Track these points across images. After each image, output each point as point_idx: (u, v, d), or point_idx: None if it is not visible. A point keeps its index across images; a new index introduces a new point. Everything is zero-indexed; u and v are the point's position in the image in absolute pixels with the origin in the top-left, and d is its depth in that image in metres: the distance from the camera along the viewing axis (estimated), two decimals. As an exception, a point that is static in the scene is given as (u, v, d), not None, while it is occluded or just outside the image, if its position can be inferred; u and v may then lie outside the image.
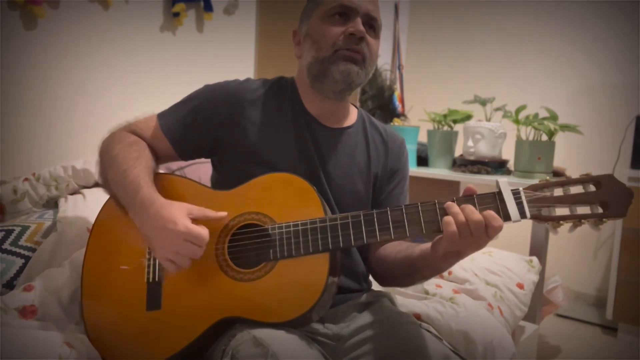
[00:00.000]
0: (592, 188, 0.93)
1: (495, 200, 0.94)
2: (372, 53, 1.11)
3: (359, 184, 1.17)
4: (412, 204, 0.97)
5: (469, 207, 0.90)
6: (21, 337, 0.98)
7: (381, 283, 1.21)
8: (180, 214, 0.97)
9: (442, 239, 0.94)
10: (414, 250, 1.06)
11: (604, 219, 0.92)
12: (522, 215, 0.93)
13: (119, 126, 1.17)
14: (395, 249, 1.13)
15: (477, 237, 0.89)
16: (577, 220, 0.93)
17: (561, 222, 0.93)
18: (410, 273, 1.08)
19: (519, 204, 0.93)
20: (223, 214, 1.02)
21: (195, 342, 1.00)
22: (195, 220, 0.98)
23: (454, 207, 0.92)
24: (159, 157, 1.17)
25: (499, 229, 0.89)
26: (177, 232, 0.95)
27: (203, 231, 0.96)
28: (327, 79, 1.09)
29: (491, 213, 0.90)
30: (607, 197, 0.92)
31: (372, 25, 1.10)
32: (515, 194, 0.93)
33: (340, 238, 0.98)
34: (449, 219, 0.90)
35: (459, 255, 0.95)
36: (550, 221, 0.93)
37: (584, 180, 0.94)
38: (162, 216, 0.97)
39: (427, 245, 1.01)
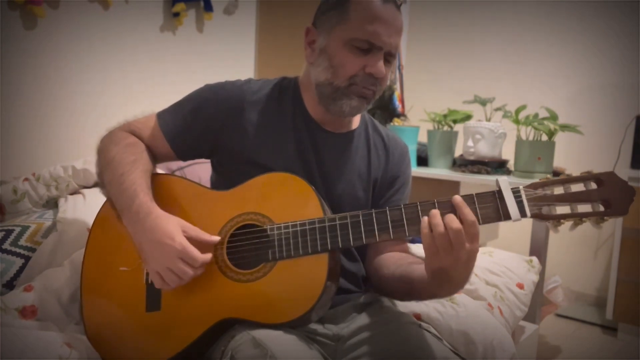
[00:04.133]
0: (593, 186, 0.92)
1: (495, 199, 0.93)
2: (383, 86, 1.09)
3: (359, 190, 1.17)
4: (411, 203, 0.97)
5: (449, 216, 0.88)
6: (21, 337, 0.98)
7: (377, 293, 1.19)
8: (176, 229, 0.96)
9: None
10: (414, 269, 1.01)
11: (606, 217, 0.91)
12: (523, 214, 0.92)
13: (117, 125, 1.16)
14: (396, 262, 1.09)
15: (455, 242, 0.86)
16: (578, 218, 0.92)
17: (562, 220, 0.92)
18: (407, 292, 1.04)
19: (519, 203, 0.92)
20: (216, 238, 1.01)
21: (194, 344, 1.00)
22: (189, 238, 0.97)
23: (433, 213, 0.89)
24: (157, 158, 1.16)
25: (473, 230, 0.86)
26: (173, 249, 0.94)
27: (199, 255, 0.95)
28: (335, 106, 1.08)
29: (462, 216, 0.87)
30: (608, 194, 0.90)
31: (390, 57, 1.07)
32: (516, 192, 0.92)
33: (339, 238, 0.98)
34: (423, 222, 0.88)
35: (443, 272, 0.90)
36: (551, 220, 0.92)
37: (585, 178, 0.92)
38: (159, 229, 0.96)
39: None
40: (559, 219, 0.92)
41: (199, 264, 0.96)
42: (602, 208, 0.91)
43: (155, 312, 1.04)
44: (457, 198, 0.91)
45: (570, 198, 0.92)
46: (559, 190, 0.93)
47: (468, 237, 0.86)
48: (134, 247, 1.03)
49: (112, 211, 1.08)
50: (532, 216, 0.92)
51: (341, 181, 1.15)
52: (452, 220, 0.87)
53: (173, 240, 0.95)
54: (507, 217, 0.91)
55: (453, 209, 0.90)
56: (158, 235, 0.96)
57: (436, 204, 0.94)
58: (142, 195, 1.01)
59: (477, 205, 0.93)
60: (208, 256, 0.97)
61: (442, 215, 0.88)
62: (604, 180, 0.91)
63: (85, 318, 1.09)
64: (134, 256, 1.06)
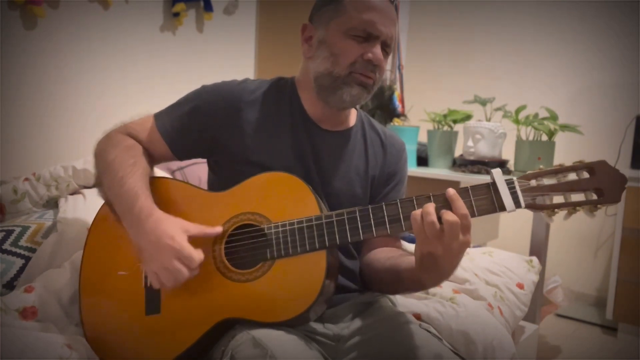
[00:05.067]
0: (585, 175, 0.93)
1: (489, 191, 0.94)
2: (382, 75, 1.11)
3: (357, 188, 1.17)
4: (408, 198, 0.97)
5: (445, 210, 0.89)
6: (21, 338, 0.98)
7: (367, 288, 1.20)
8: (177, 230, 0.97)
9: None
10: (404, 260, 1.04)
11: (599, 205, 0.92)
12: (517, 204, 0.92)
13: (114, 127, 1.16)
14: (386, 255, 1.12)
15: (449, 234, 0.87)
16: (572, 207, 0.93)
17: (556, 210, 0.93)
18: (394, 282, 1.07)
19: (514, 194, 0.93)
20: (219, 228, 1.02)
21: (195, 345, 1.00)
22: (192, 237, 0.97)
23: (428, 206, 0.90)
24: (155, 158, 1.16)
25: (463, 223, 0.87)
26: (171, 248, 0.95)
27: (196, 254, 0.95)
28: (335, 96, 1.09)
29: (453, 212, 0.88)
30: (601, 183, 0.92)
31: (387, 48, 1.10)
32: (510, 183, 0.93)
33: (337, 235, 0.98)
34: (415, 212, 0.90)
35: (432, 259, 0.91)
36: (545, 209, 0.93)
37: (577, 167, 0.94)
38: (160, 230, 0.96)
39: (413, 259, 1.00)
40: (553, 208, 0.93)
41: (196, 264, 0.96)
42: (595, 196, 0.93)
43: (155, 315, 1.03)
44: (451, 191, 0.92)
45: (564, 187, 0.93)
46: (552, 180, 0.94)
47: (461, 229, 0.88)
48: (132, 251, 1.03)
49: (110, 215, 1.08)
50: (527, 206, 0.93)
51: (339, 179, 1.15)
52: (448, 213, 0.88)
53: (173, 240, 0.95)
54: (502, 208, 0.92)
55: (447, 202, 0.91)
56: (158, 236, 0.96)
57: (431, 198, 0.94)
58: (144, 198, 1.01)
59: (472, 198, 0.94)
60: (201, 254, 0.97)
61: (437, 209, 0.90)
62: (596, 169, 0.93)
63: (84, 321, 1.09)
64: (132, 259, 1.06)
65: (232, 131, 1.12)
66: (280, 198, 1.04)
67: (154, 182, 1.12)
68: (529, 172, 0.96)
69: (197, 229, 0.99)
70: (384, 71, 1.12)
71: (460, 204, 0.90)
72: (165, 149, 1.14)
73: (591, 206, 0.92)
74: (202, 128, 1.13)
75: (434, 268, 0.93)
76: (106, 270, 1.09)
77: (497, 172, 0.94)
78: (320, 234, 0.98)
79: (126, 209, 1.01)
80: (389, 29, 1.08)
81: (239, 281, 1.00)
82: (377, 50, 1.07)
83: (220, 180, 1.16)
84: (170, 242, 0.95)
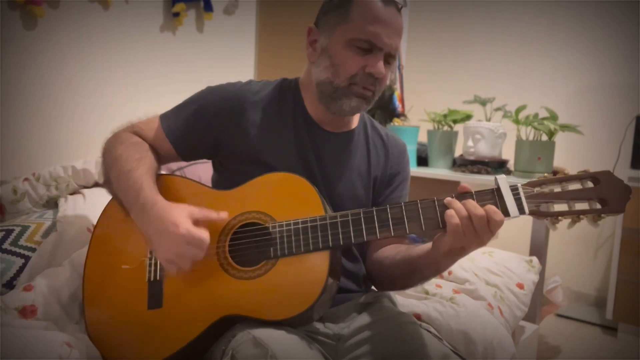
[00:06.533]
0: (590, 184, 0.94)
1: (493, 196, 0.94)
2: (382, 86, 1.10)
3: (359, 188, 1.17)
4: (412, 201, 0.98)
5: (471, 202, 0.91)
6: (21, 337, 0.98)
7: (379, 287, 1.21)
8: (181, 216, 0.97)
9: (444, 236, 0.93)
10: (414, 250, 1.05)
11: (603, 215, 0.93)
12: (521, 211, 0.93)
13: (121, 127, 1.18)
14: (394, 250, 1.13)
15: (480, 231, 0.89)
16: (575, 216, 0.93)
17: (560, 218, 0.93)
18: (410, 274, 1.08)
19: (518, 200, 0.93)
20: (224, 214, 1.02)
21: (195, 341, 1.00)
22: (197, 222, 0.98)
23: (455, 202, 0.92)
24: (161, 158, 1.17)
25: (500, 223, 0.90)
26: (179, 235, 0.94)
27: (204, 235, 0.96)
28: (335, 105, 1.09)
29: (492, 208, 0.90)
30: (605, 193, 0.92)
31: (390, 58, 1.09)
32: (514, 190, 0.94)
33: (340, 235, 0.98)
34: (451, 212, 0.91)
35: (462, 251, 0.94)
36: (548, 217, 0.93)
37: (582, 176, 0.94)
38: (164, 218, 0.97)
39: (428, 245, 1.01)
40: (556, 216, 0.93)
41: (207, 245, 0.96)
42: (599, 206, 0.93)
43: (157, 309, 1.04)
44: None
45: (568, 196, 0.93)
46: (556, 188, 0.94)
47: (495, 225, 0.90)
48: (137, 246, 1.04)
49: (115, 211, 1.09)
50: (530, 213, 0.93)
51: (341, 180, 1.15)
52: (475, 206, 0.90)
53: (178, 227, 0.95)
54: (506, 214, 0.92)
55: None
56: (164, 224, 0.96)
57: (435, 202, 0.95)
58: (148, 189, 1.02)
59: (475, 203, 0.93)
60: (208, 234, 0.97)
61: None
62: (601, 179, 0.93)
63: (87, 316, 1.10)
64: (136, 255, 1.06)
65: (236, 132, 1.12)
66: (286, 198, 1.04)
67: (160, 179, 1.13)
68: (533, 179, 0.96)
69: (201, 213, 0.99)
70: (386, 83, 1.11)
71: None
72: (171, 150, 1.16)
73: (594, 215, 0.93)
74: (207, 128, 1.13)
75: (460, 254, 0.96)
76: (110, 266, 1.10)
77: (501, 178, 0.94)
78: (324, 234, 0.99)
79: (132, 201, 1.02)
80: (394, 40, 1.06)
81: (242, 278, 1.00)
82: (380, 63, 1.05)
83: (224, 181, 1.16)
84: (174, 229, 0.95)
